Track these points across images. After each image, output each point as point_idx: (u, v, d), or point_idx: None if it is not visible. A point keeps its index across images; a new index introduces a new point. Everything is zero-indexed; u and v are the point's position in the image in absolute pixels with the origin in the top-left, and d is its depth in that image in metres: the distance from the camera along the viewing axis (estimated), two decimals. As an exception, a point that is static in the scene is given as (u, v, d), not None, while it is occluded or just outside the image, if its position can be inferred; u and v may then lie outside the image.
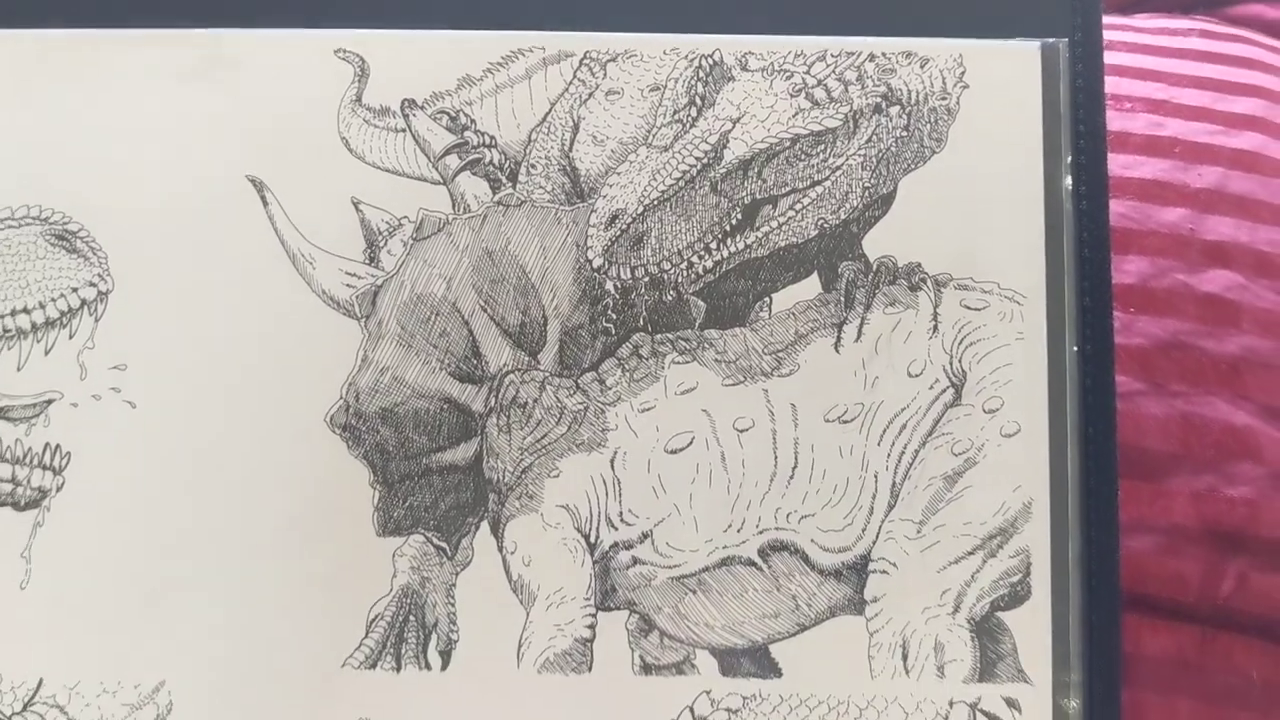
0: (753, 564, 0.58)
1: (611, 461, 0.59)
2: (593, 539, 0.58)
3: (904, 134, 0.62)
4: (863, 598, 0.58)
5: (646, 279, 0.60)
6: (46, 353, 0.60)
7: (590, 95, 0.62)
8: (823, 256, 0.61)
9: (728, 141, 0.62)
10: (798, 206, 0.61)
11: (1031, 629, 0.58)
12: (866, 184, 0.61)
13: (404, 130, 0.62)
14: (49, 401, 0.59)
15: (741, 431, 0.59)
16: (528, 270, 0.60)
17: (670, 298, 0.60)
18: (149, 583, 0.58)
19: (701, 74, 0.62)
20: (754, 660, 0.58)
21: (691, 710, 0.57)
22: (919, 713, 0.57)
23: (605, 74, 0.62)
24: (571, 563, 0.58)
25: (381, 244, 0.61)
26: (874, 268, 0.60)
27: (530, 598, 0.58)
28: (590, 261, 0.60)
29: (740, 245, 0.61)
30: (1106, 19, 0.64)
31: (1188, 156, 0.69)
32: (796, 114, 0.62)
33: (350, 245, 0.61)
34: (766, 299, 0.61)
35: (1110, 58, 0.67)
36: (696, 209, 0.61)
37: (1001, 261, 0.60)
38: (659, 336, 0.59)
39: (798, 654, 0.58)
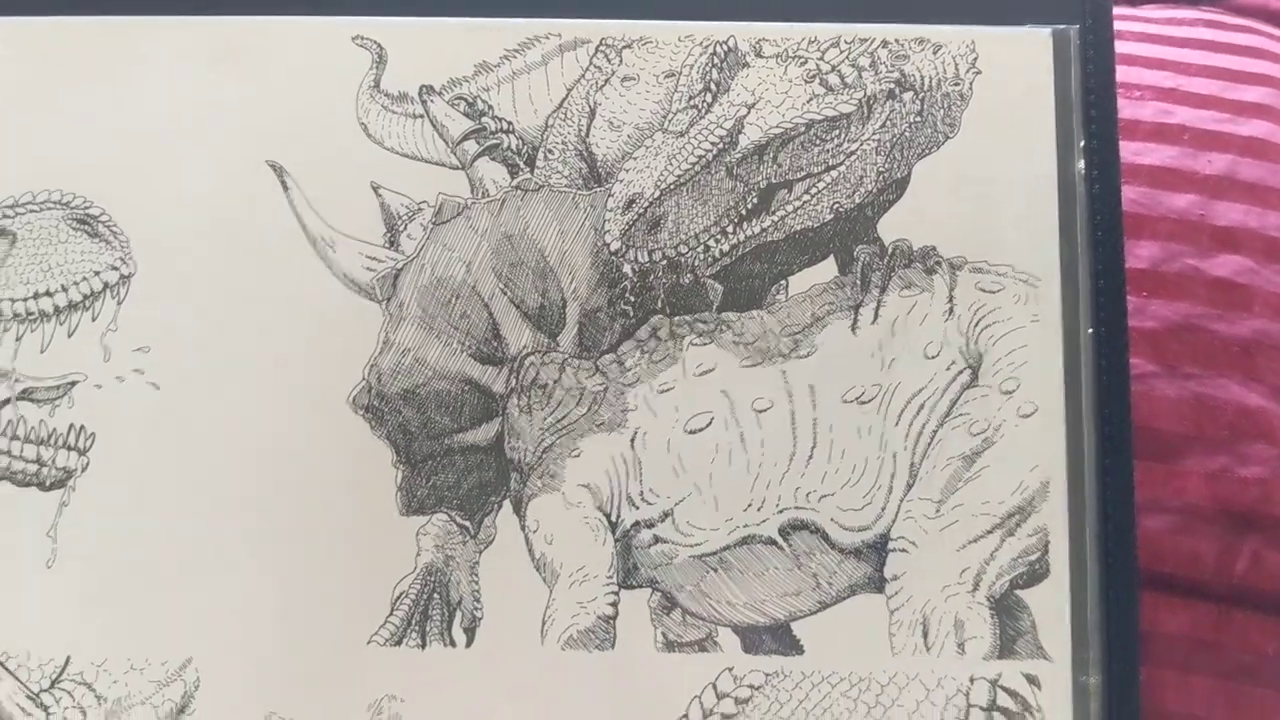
0: (773, 543, 0.60)
1: (631, 441, 0.61)
2: (614, 518, 0.61)
3: (918, 119, 0.64)
4: (883, 576, 0.60)
5: (664, 262, 0.63)
6: (69, 335, 0.62)
7: (606, 81, 0.65)
8: (838, 240, 0.63)
9: (743, 127, 0.64)
10: (813, 191, 0.63)
11: (1050, 606, 0.60)
12: (881, 168, 0.64)
13: (422, 116, 0.64)
14: (72, 383, 0.62)
15: (760, 412, 0.61)
16: (546, 253, 0.62)
17: (688, 280, 0.62)
18: (175, 561, 0.60)
19: (716, 60, 0.65)
20: (776, 638, 0.60)
21: (714, 687, 0.59)
22: (940, 689, 0.59)
23: (621, 60, 0.65)
24: (593, 541, 0.60)
25: (401, 228, 0.63)
26: (889, 251, 0.63)
27: (553, 576, 0.60)
28: (608, 245, 0.62)
29: (756, 229, 0.63)
30: (1115, 9, 0.67)
31: (1197, 144, 0.71)
32: (811, 99, 0.64)
33: (370, 229, 0.63)
34: (783, 282, 0.63)
35: (1119, 46, 0.70)
36: (712, 193, 0.63)
37: (1016, 245, 0.63)
38: (677, 319, 0.62)
39: (819, 631, 0.60)
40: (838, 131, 0.63)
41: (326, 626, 0.59)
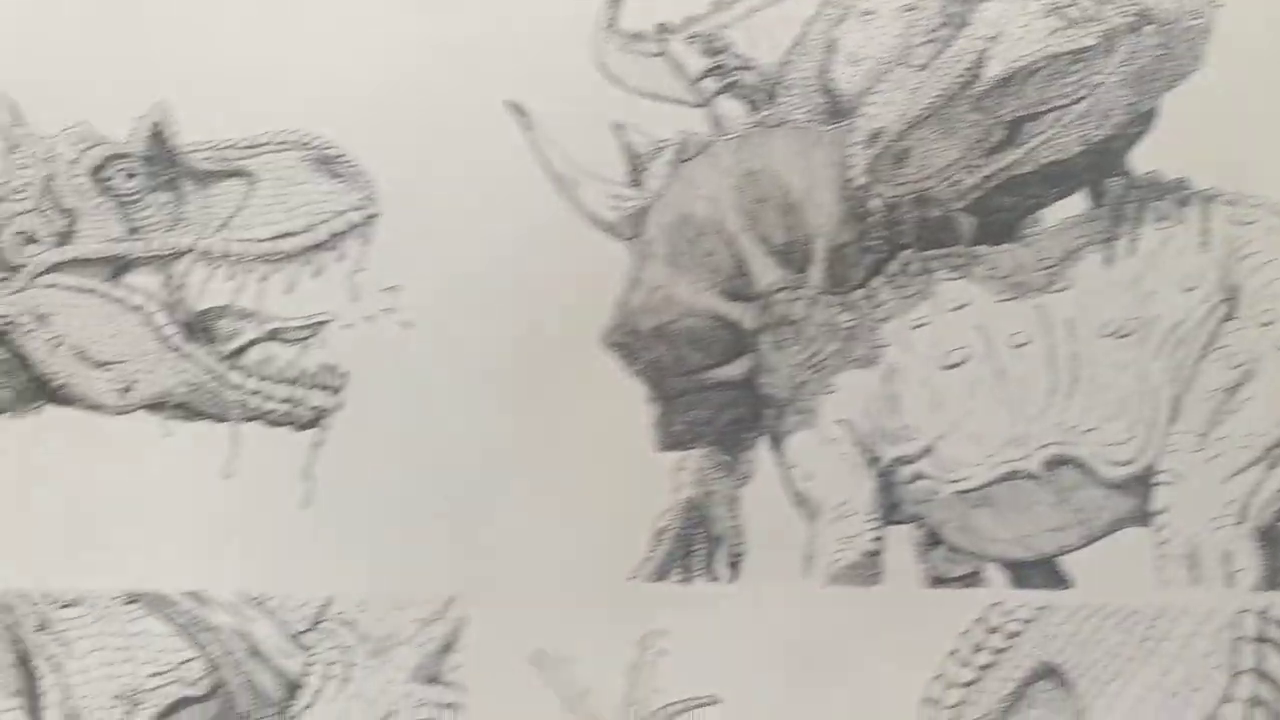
0: (1037, 478, 0.63)
1: (887, 377, 0.64)
2: (873, 454, 0.63)
3: (1161, 52, 0.66)
4: (1148, 509, 0.62)
5: (912, 196, 0.65)
6: (316, 275, 0.65)
7: (844, 16, 0.67)
8: (1089, 172, 0.65)
9: (985, 60, 0.66)
10: (1060, 123, 0.66)
11: (1318, 539, 0.62)
12: (1128, 101, 0.66)
13: (660, 54, 0.67)
14: (321, 323, 0.65)
15: (1017, 347, 0.64)
16: (791, 189, 0.65)
17: (937, 214, 0.65)
18: (434, 500, 0.63)
19: (953, -5, 0.67)
20: (1043, 572, 0.62)
21: (983, 622, 0.62)
22: (1209, 621, 0.61)
23: (856, -5, 0.67)
24: (853, 477, 0.63)
25: (644, 166, 0.66)
26: (1141, 184, 0.65)
27: (814, 511, 0.63)
28: (853, 180, 0.65)
29: (1005, 162, 0.66)
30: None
31: None
32: (1052, 33, 0.67)
33: (612, 168, 0.65)
34: (1035, 215, 0.65)
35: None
36: (958, 126, 0.66)
37: (1267, 177, 0.65)
38: (928, 253, 0.64)
39: (1086, 565, 0.62)
40: (1081, 64, 0.66)
41: (588, 562, 0.62)
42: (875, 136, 0.64)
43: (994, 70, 0.65)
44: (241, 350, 0.63)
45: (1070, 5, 0.65)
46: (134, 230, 0.64)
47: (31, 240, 0.64)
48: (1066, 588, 0.60)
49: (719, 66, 0.65)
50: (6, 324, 0.63)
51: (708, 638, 0.60)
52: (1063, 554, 0.61)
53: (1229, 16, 0.65)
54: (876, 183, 0.63)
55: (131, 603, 0.62)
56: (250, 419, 0.63)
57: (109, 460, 0.62)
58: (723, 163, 0.64)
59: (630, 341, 0.62)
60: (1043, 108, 0.64)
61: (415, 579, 0.61)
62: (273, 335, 0.63)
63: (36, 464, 0.62)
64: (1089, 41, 0.64)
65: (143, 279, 0.65)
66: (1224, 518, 0.61)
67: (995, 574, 0.61)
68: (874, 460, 0.61)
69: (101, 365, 0.63)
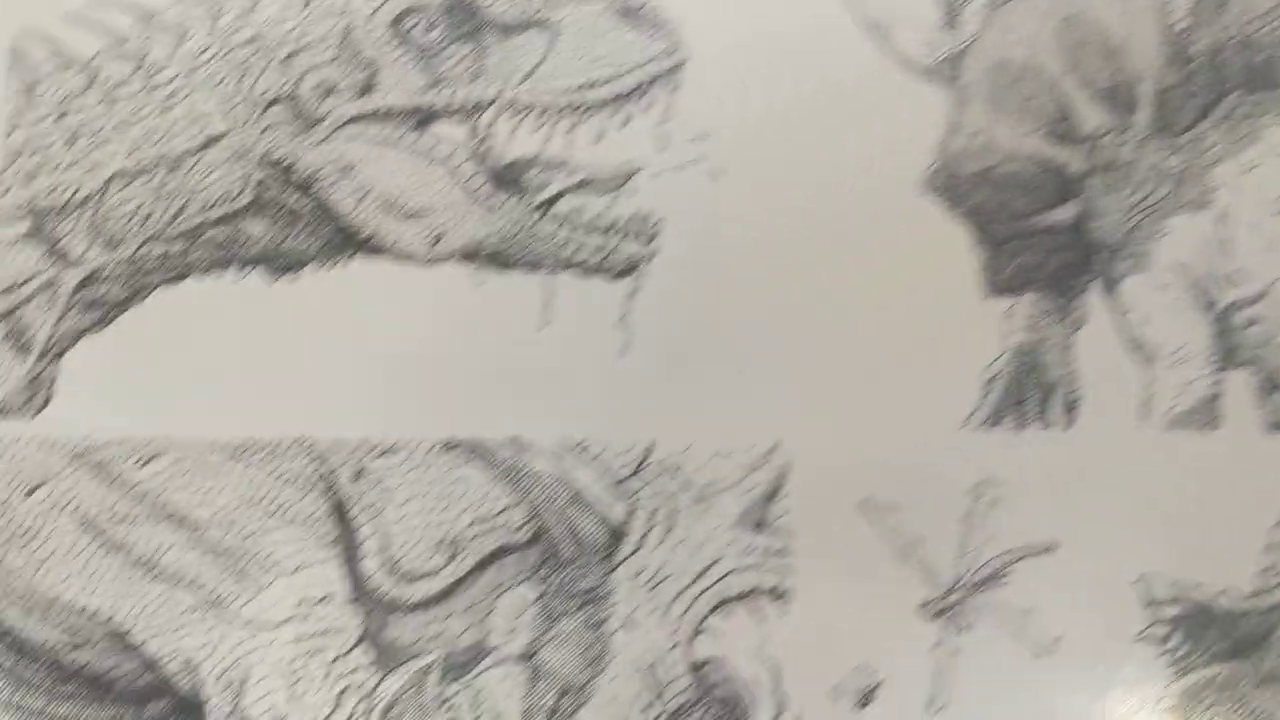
0: (1377, 322, 0.63)
1: (1219, 220, 0.64)
2: (1208, 298, 0.64)
3: None
4: None
5: (1235, 40, 0.65)
6: (624, 125, 0.66)
7: None
8: None
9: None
10: (1383, -31, 0.66)
11: None
12: None
13: (972, -102, 0.67)
14: (630, 173, 0.66)
15: (1352, 191, 0.64)
16: (1112, 33, 0.66)
17: (1262, 58, 0.65)
18: (753, 346, 0.65)
19: None
20: (1389, 417, 0.63)
21: (1328, 466, 0.62)
22: None
23: None
24: (1188, 322, 0.64)
25: (959, 10, 0.67)
26: None
27: (1150, 356, 0.64)
28: (1174, 25, 0.65)
29: (1329, 6, 0.66)
30: None
31: None
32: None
33: (926, 12, 0.66)
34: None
35: None
36: (1280, -30, 0.66)
37: None
38: (1255, 96, 0.65)
39: None
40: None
41: (916, 410, 0.63)
42: (1198, -20, 0.64)
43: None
44: (551, 201, 0.64)
45: None
46: (436, 82, 0.66)
47: (331, 92, 0.65)
48: None
49: (1031, -88, 0.65)
50: (310, 175, 0.64)
51: (1043, 485, 0.61)
52: None
53: None
54: (1199, 26, 0.64)
55: (450, 450, 0.62)
56: (563, 269, 0.63)
57: (422, 310, 0.64)
58: (1040, 7, 0.64)
59: (952, 186, 0.63)
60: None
61: (737, 425, 0.62)
62: (582, 185, 0.64)
63: (348, 314, 0.64)
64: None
65: (448, 130, 0.65)
66: None
67: (1337, 418, 0.61)
68: (1209, 304, 0.62)
69: (410, 216, 0.64)
